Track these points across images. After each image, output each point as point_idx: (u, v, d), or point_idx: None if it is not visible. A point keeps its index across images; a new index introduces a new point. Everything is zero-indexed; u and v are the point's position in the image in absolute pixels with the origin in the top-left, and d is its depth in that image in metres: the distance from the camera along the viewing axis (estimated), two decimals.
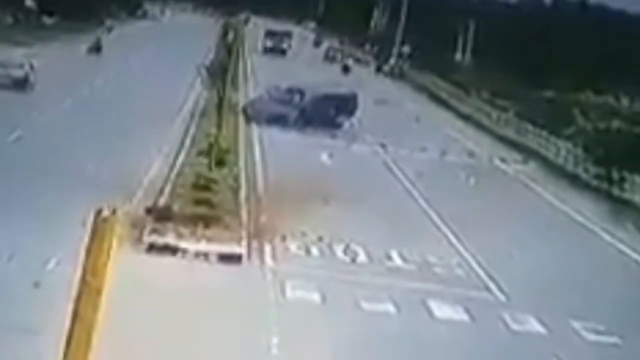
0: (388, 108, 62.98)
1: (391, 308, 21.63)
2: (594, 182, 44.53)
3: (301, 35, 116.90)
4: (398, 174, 40.36)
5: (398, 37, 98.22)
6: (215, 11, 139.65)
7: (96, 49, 72.07)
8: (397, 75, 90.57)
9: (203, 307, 19.46)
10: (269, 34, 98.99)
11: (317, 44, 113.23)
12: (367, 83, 73.79)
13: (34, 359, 14.76)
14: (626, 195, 41.71)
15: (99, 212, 9.55)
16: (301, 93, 50.72)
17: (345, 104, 51.79)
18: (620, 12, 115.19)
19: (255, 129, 46.92)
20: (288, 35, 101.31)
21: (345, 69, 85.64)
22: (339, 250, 25.94)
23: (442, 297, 22.80)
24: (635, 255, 31.13)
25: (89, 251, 9.74)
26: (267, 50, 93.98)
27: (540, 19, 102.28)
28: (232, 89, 48.32)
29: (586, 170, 46.44)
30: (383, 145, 46.22)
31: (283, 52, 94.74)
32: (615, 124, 62.16)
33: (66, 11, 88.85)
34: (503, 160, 48.68)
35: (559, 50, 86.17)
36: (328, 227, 27.41)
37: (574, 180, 45.40)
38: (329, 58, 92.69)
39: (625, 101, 79.22)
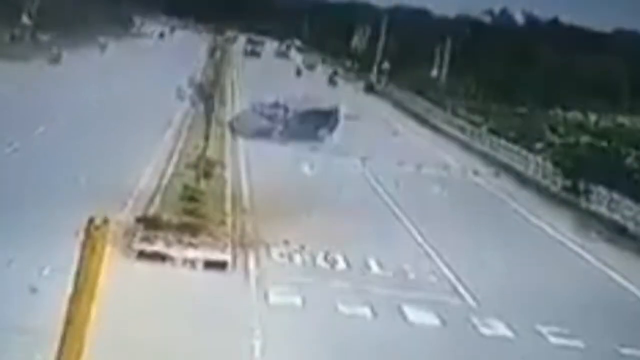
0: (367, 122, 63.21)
1: (367, 312, 21.83)
2: (562, 194, 44.78)
3: (271, 45, 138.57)
4: (375, 185, 40.58)
5: (378, 54, 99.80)
6: (205, 29, 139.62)
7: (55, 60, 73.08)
8: (377, 91, 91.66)
9: (188, 311, 19.60)
10: (249, 41, 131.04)
11: (310, 67, 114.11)
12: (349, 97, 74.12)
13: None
14: (592, 207, 41.93)
15: (91, 221, 9.74)
16: (285, 108, 51.02)
17: (327, 119, 52.09)
18: (590, 30, 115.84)
19: (240, 142, 47.13)
20: (262, 43, 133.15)
21: (332, 81, 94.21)
22: (319, 257, 26.15)
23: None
24: (598, 264, 31.42)
25: (82, 258, 9.92)
26: (247, 53, 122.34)
27: (513, 37, 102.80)
28: (219, 104, 48.46)
29: (554, 183, 46.75)
30: (363, 158, 46.45)
31: (258, 54, 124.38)
32: (583, 138, 62.64)
33: (62, 28, 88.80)
34: (476, 172, 49.01)
35: (530, 67, 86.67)
36: (309, 236, 27.56)
37: (543, 191, 45.67)
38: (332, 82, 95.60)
39: (592, 117, 79.74)
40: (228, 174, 36.64)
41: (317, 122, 51.30)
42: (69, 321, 9.68)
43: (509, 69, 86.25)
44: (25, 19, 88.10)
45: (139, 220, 26.08)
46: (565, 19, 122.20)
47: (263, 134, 48.81)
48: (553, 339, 21.74)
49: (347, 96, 74.25)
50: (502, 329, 21.93)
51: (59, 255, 18.51)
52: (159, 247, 23.88)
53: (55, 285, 14.31)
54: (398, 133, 61.58)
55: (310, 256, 26.11)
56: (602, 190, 42.36)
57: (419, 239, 30.78)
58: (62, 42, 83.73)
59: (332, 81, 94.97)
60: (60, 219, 22.91)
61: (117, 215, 24.85)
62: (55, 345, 9.36)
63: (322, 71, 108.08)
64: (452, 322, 22.01)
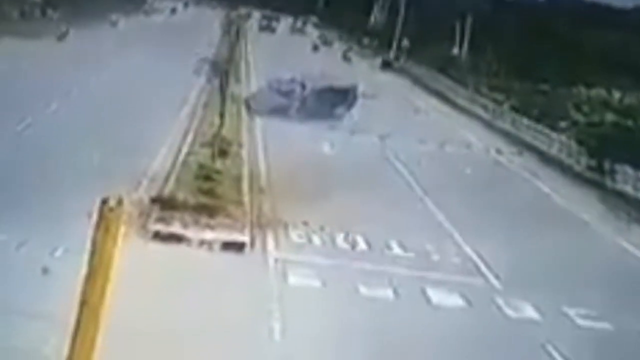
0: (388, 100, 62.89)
1: (390, 294, 21.68)
2: (587, 174, 44.44)
3: (287, 21, 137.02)
4: (396, 164, 40.34)
5: (397, 31, 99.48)
6: (219, 5, 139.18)
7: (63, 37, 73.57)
8: (395, 68, 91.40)
9: (205, 293, 19.43)
10: (264, 17, 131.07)
11: (324, 42, 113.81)
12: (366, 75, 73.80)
13: (42, 343, 14.65)
14: (618, 186, 41.59)
15: (104, 202, 9.54)
16: (302, 85, 50.65)
17: (345, 96, 51.73)
18: (611, 7, 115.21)
19: (257, 120, 46.86)
20: (277, 19, 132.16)
21: (346, 58, 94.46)
22: (339, 238, 25.94)
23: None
24: (625, 244, 31.10)
25: (95, 239, 9.74)
26: (262, 28, 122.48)
27: (535, 13, 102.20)
28: (235, 81, 48.24)
29: (579, 162, 46.41)
30: (382, 137, 46.09)
31: (273, 30, 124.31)
32: (608, 117, 62.20)
33: (71, 5, 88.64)
34: (499, 151, 48.66)
35: (553, 44, 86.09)
36: (329, 216, 27.33)
37: (567, 171, 45.34)
38: (346, 59, 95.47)
39: (617, 94, 79.17)
40: (245, 153, 36.38)
41: (335, 100, 50.93)
42: (83, 304, 9.66)
43: (531, 46, 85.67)
44: None
45: (154, 200, 25.90)
46: None
47: (280, 111, 48.51)
48: (580, 321, 21.58)
49: (363, 74, 73.85)
50: (528, 311, 21.73)
51: (72, 237, 18.36)
52: (175, 227, 23.67)
53: (68, 267, 14.17)
54: (419, 111, 61.18)
55: (330, 237, 25.90)
56: (628, 170, 41.89)
57: (441, 218, 30.52)
58: (72, 19, 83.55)
59: (346, 57, 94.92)
60: (73, 199, 22.74)
61: (131, 195, 24.70)
62: (70, 329, 9.19)
63: (338, 47, 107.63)
64: (477, 304, 21.81)
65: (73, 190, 24.65)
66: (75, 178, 26.82)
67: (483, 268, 25.04)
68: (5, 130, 34.02)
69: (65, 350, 9.28)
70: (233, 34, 54.31)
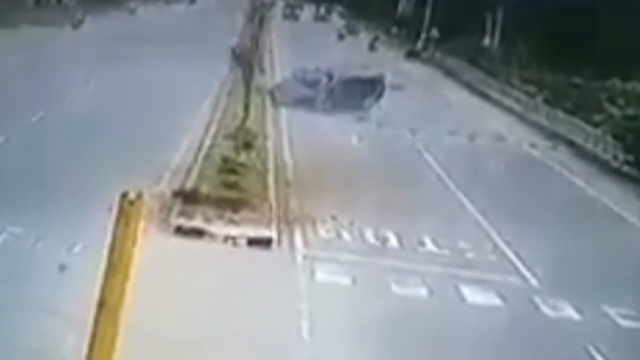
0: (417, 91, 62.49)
1: (424, 292, 21.37)
2: (624, 169, 43.96)
3: (310, 9, 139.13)
4: (427, 157, 39.92)
5: (426, 21, 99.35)
6: None
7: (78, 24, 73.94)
8: (423, 58, 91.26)
9: (230, 291, 19.14)
10: (287, 5, 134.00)
11: (350, 31, 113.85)
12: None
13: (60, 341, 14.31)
14: None
15: (124, 195, 9.31)
16: (329, 75, 50.26)
17: (373, 87, 51.27)
18: None
19: (283, 111, 46.50)
20: (300, 7, 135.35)
21: (371, 47, 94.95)
22: (369, 234, 25.58)
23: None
24: None
25: (115, 235, 9.51)
26: (286, 17, 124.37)
27: (567, 6, 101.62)
28: (259, 71, 47.87)
29: (615, 157, 45.90)
30: (412, 130, 45.61)
31: (296, 18, 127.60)
32: None
33: None
34: (532, 145, 48.19)
35: (586, 37, 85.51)
36: (358, 211, 26.95)
37: (603, 166, 44.88)
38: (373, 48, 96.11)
39: None
40: (270, 145, 36.02)
41: (363, 91, 50.48)
42: (102, 302, 9.51)
43: (564, 38, 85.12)
44: None
45: (176, 194, 25.57)
46: None
47: (306, 103, 48.11)
48: (621, 321, 21.25)
49: (390, 64, 73.39)
50: (567, 310, 21.44)
51: (91, 232, 18.02)
52: (197, 222, 23.31)
53: (87, 264, 13.84)
54: (450, 103, 60.76)
55: (360, 232, 25.53)
56: None
57: (475, 214, 30.12)
58: (89, 7, 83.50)
59: (372, 47, 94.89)
60: (92, 193, 22.46)
61: (152, 189, 24.36)
62: (88, 328, 9.05)
63: (365, 37, 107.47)
64: (514, 303, 21.47)
65: (91, 184, 24.37)
66: (95, 171, 26.53)
67: (520, 266, 24.62)
68: (21, 121, 33.80)
69: (84, 351, 8.96)
70: (256, 23, 53.90)
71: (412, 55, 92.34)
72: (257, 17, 55.51)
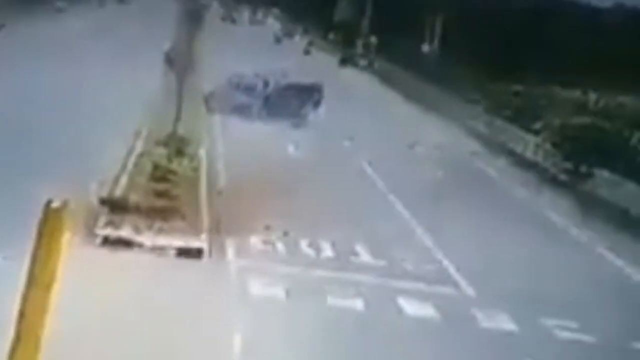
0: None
1: (359, 304, 21.46)
2: (562, 177, 44.56)
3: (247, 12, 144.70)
4: (365, 166, 40.13)
5: (364, 27, 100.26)
6: None
7: None
8: (360, 66, 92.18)
9: (159, 305, 19.03)
10: (225, 6, 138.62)
11: (287, 35, 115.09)
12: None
13: None
14: (594, 190, 41.64)
15: (49, 203, 9.27)
16: (265, 82, 50.30)
17: (311, 94, 51.34)
18: (588, 6, 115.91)
19: (217, 118, 46.43)
20: (238, 10, 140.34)
21: (306, 52, 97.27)
22: (304, 244, 25.67)
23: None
24: (599, 249, 31.33)
25: (38, 245, 9.46)
26: (223, 19, 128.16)
27: (508, 12, 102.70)
28: (193, 75, 47.65)
29: (554, 165, 46.52)
30: (351, 137, 45.77)
31: (234, 21, 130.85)
32: (584, 119, 62.35)
33: None
34: (472, 153, 48.75)
35: (526, 44, 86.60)
36: (294, 221, 27.01)
37: (542, 173, 45.47)
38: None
39: (593, 96, 79.64)
40: (203, 153, 35.85)
41: (301, 98, 50.55)
42: (21, 317, 9.56)
43: (504, 45, 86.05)
44: None
45: (103, 202, 25.28)
46: None
47: (241, 110, 48.03)
48: (559, 333, 21.49)
49: (325, 70, 73.67)
50: (504, 323, 21.65)
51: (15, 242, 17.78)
52: (125, 232, 23.10)
53: (9, 275, 13.66)
54: (388, 111, 61.13)
55: (294, 243, 25.61)
56: (605, 174, 42.20)
57: (412, 222, 30.52)
58: (12, 7, 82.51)
59: (307, 52, 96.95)
60: (18, 201, 22.16)
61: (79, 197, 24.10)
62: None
63: (300, 41, 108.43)
64: (451, 315, 21.63)
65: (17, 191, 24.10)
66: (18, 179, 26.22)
67: (457, 277, 24.86)
68: None
69: None
70: (191, 26, 53.65)
71: (346, 62, 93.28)
72: (192, 20, 55.20)
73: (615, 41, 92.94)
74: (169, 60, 38.23)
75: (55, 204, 9.50)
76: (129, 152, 33.56)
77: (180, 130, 35.96)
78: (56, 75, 49.50)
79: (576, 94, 79.70)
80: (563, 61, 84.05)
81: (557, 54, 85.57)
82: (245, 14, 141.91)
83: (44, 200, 9.21)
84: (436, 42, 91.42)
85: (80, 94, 44.80)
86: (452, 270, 25.39)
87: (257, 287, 21.42)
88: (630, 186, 39.75)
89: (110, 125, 37.29)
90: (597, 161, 43.22)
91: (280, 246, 25.21)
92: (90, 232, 22.89)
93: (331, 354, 18.02)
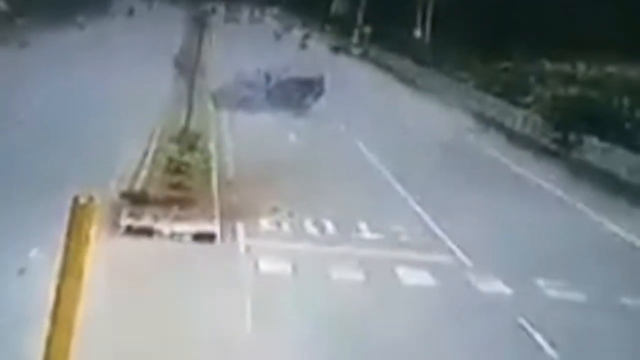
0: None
1: (361, 276, 22.11)
2: (552, 146, 45.01)
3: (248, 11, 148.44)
4: (362, 147, 40.86)
5: (359, 18, 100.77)
6: (183, 3, 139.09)
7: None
8: (359, 55, 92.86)
9: (178, 283, 19.86)
10: (228, 9, 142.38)
11: (286, 30, 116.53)
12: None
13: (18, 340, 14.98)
14: (584, 157, 42.22)
15: (76, 199, 9.86)
16: (267, 77, 51.02)
17: (312, 87, 52.02)
18: None
19: (225, 113, 47.13)
20: (239, 10, 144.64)
21: (303, 45, 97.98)
22: (308, 223, 26.48)
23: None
24: (587, 210, 32.06)
25: (68, 238, 10.04)
26: (227, 19, 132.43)
27: None
28: (201, 75, 48.47)
29: (544, 135, 46.94)
30: (348, 123, 46.47)
31: (237, 20, 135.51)
32: (573, 90, 62.61)
33: (38, 12, 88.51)
34: (467, 129, 49.34)
35: (514, 21, 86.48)
36: (297, 204, 27.79)
37: (532, 145, 45.93)
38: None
39: (582, 67, 79.50)
40: (212, 146, 36.70)
41: (302, 90, 51.23)
42: (56, 306, 9.29)
43: (493, 24, 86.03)
44: (1, 4, 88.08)
45: (124, 195, 26.21)
46: None
47: (246, 103, 48.77)
48: (551, 292, 22.09)
49: (319, 60, 73.96)
50: (499, 286, 22.21)
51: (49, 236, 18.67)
52: (145, 221, 24.10)
53: (44, 267, 14.48)
54: (384, 94, 61.65)
55: (299, 222, 26.40)
56: (594, 141, 42.51)
57: (406, 196, 31.26)
58: (38, 25, 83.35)
59: (303, 45, 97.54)
60: (45, 202, 22.99)
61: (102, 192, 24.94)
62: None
63: (299, 35, 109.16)
64: (447, 282, 22.27)
65: (45, 191, 24.92)
66: (47, 179, 27.11)
67: (453, 246, 25.51)
68: None
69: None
70: (198, 30, 54.37)
71: (338, 49, 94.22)
72: (199, 25, 55.87)
73: (604, 13, 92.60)
74: (178, 64, 38.91)
75: (82, 200, 9.92)
76: (146, 150, 34.42)
77: (192, 127, 36.74)
78: (76, 83, 50.13)
79: (565, 66, 79.53)
80: (551, 36, 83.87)
81: (544, 30, 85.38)
82: (245, 13, 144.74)
83: (71, 197, 9.86)
84: (428, 27, 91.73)
85: (99, 99, 45.43)
86: (446, 239, 26.08)
87: (265, 264, 22.17)
88: (619, 151, 40.21)
89: (127, 126, 38.14)
90: (587, 129, 43.47)
91: (286, 226, 26.01)
92: (114, 224, 23.79)
93: (335, 323, 18.54)
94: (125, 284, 19.07)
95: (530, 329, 19.35)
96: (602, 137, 42.12)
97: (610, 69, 79.05)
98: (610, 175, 38.44)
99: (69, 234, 9.92)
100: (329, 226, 26.41)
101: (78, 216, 9.85)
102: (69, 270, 9.87)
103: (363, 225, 26.63)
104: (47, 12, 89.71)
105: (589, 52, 78.42)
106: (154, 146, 35.16)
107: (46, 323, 9.88)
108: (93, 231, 9.95)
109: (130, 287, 19.17)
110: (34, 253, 20.54)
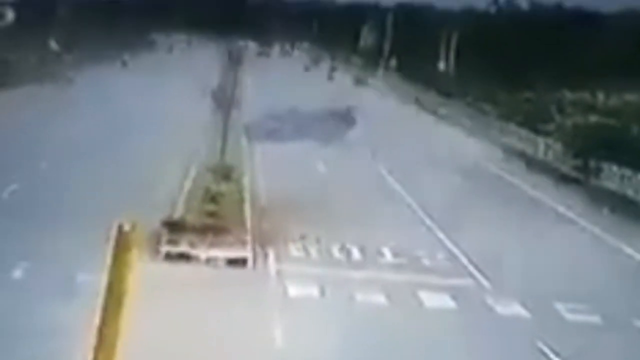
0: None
1: (384, 299, 22.55)
2: (573, 174, 45.03)
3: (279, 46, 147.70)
4: (387, 176, 41.33)
5: (385, 51, 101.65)
6: (218, 40, 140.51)
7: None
8: (384, 86, 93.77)
9: (212, 306, 20.53)
10: (260, 45, 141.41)
11: (315, 63, 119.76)
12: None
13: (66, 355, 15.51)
14: (603, 184, 42.23)
15: (120, 227, 10.53)
16: (293, 110, 51.49)
17: (342, 118, 52.28)
18: (594, 12, 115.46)
19: (257, 146, 47.75)
20: (270, 45, 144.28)
21: (329, 77, 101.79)
22: (335, 249, 27.03)
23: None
24: (606, 237, 32.17)
25: (113, 261, 10.69)
26: (259, 54, 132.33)
27: (518, 24, 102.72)
28: (236, 109, 48.96)
29: (565, 163, 47.06)
30: (372, 151, 46.91)
31: (268, 55, 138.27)
32: (592, 118, 62.72)
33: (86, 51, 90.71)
34: (487, 158, 49.57)
35: (535, 52, 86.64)
36: (325, 231, 28.38)
37: (552, 172, 46.00)
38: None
39: (601, 96, 79.56)
40: (246, 177, 37.31)
41: (333, 122, 51.54)
42: (102, 322, 10.43)
43: (515, 55, 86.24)
44: (52, 45, 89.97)
45: (164, 224, 26.92)
46: (570, 3, 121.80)
47: (276, 135, 49.20)
48: (570, 316, 22.26)
49: (344, 91, 74.41)
50: (517, 309, 22.47)
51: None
52: (183, 247, 24.87)
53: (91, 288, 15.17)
54: (410, 125, 61.99)
55: (326, 248, 26.94)
56: (613, 168, 42.43)
57: (431, 224, 31.59)
58: (85, 62, 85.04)
59: (330, 77, 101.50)
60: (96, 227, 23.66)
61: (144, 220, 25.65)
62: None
63: (327, 68, 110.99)
64: (468, 305, 22.60)
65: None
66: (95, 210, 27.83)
67: (474, 270, 25.85)
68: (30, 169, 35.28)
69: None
70: (234, 66, 54.93)
71: (360, 82, 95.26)
72: (234, 61, 56.44)
73: (620, 43, 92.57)
74: (216, 98, 39.54)
75: (125, 227, 10.59)
76: (183, 180, 35.16)
77: (226, 158, 37.43)
78: (120, 115, 51.17)
79: (585, 95, 79.56)
80: (571, 66, 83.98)
81: (565, 61, 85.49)
82: (275, 47, 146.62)
83: (116, 225, 10.41)
84: (451, 59, 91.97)
85: (142, 134, 46.33)
86: (467, 263, 26.49)
87: (294, 287, 22.77)
88: (638, 178, 39.92)
89: (167, 157, 38.95)
90: (606, 156, 43.36)
91: (313, 252, 26.60)
92: (154, 249, 24.55)
93: (360, 343, 18.99)
94: (164, 305, 19.72)
95: (548, 352, 19.60)
96: (621, 163, 42.11)
97: (629, 97, 78.99)
98: (629, 201, 38.44)
99: (113, 258, 10.63)
100: (355, 251, 26.95)
101: (122, 242, 10.57)
102: (113, 291, 10.59)
103: (387, 250, 27.14)
104: (94, 51, 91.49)
105: (608, 81, 78.34)
106: (191, 177, 35.89)
107: (91, 340, 10.62)
108: (135, 256, 10.65)
109: (168, 308, 19.85)
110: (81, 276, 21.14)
